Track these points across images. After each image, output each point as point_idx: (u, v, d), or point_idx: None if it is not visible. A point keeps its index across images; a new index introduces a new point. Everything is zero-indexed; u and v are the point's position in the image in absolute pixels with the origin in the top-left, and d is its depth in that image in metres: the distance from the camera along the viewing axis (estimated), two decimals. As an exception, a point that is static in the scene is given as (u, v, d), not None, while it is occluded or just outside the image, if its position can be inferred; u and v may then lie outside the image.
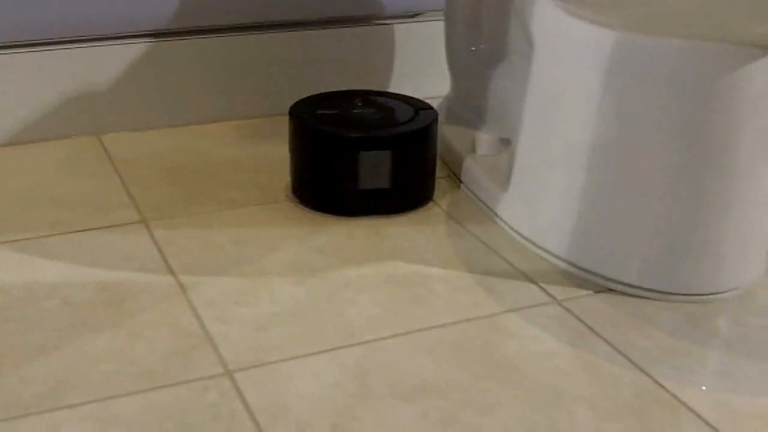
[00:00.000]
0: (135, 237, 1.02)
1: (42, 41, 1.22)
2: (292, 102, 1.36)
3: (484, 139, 1.14)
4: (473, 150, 1.15)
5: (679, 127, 0.87)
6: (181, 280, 0.94)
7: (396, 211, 1.08)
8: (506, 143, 1.14)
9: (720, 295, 0.92)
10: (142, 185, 1.13)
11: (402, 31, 1.39)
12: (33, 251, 0.98)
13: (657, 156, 0.88)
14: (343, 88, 1.39)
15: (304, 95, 1.37)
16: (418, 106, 1.11)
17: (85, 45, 1.24)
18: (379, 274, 0.96)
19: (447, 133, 1.21)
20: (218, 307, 0.89)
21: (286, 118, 1.35)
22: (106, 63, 1.25)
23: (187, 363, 0.81)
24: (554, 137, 0.96)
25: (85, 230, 1.03)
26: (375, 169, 1.04)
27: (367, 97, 1.14)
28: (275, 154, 1.23)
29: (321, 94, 1.16)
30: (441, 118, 1.27)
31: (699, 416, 0.76)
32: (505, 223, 1.04)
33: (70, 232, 1.02)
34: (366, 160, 1.04)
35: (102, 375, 0.80)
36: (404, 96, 1.15)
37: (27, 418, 0.74)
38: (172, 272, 0.95)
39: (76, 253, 0.98)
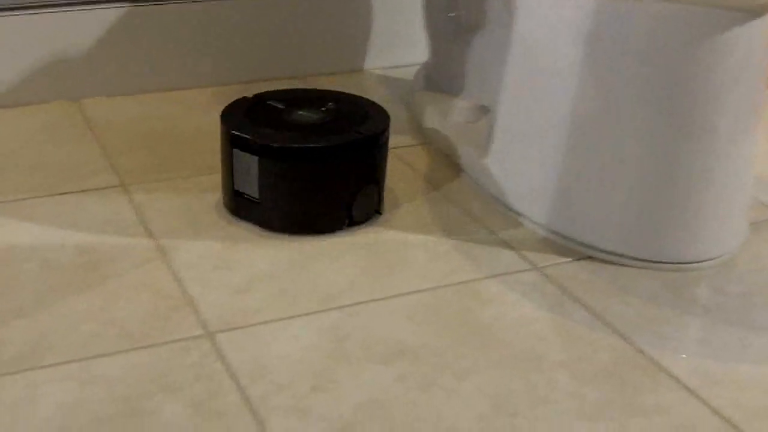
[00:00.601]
0: (114, 201, 1.01)
1: (20, 5, 1.21)
2: (269, 68, 1.36)
3: (462, 106, 1.14)
4: (451, 117, 1.15)
5: (660, 95, 0.87)
6: (161, 243, 0.93)
7: (267, 227, 0.97)
8: (485, 110, 1.14)
9: (700, 264, 0.93)
10: (121, 150, 1.13)
11: (382, -2, 1.39)
12: (11, 214, 0.97)
13: (637, 124, 0.89)
14: (319, 55, 1.38)
15: (280, 61, 1.36)
16: (371, 127, 0.97)
17: (63, 9, 1.23)
18: (357, 240, 0.96)
19: (424, 99, 1.21)
20: (197, 271, 0.89)
21: (263, 84, 1.35)
22: (85, 28, 1.24)
23: (167, 324, 0.81)
24: (533, 105, 0.96)
25: (63, 194, 1.02)
26: (246, 174, 0.94)
27: (341, 100, 1.03)
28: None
29: (298, 89, 1.06)
30: (418, 85, 1.26)
31: (678, 382, 0.77)
32: (485, 190, 1.04)
33: (49, 196, 1.01)
34: (238, 159, 0.95)
35: (82, 336, 0.79)
36: (380, 109, 1.02)
37: (6, 378, 0.74)
38: (151, 236, 0.95)
39: (54, 216, 0.97)
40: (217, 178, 1.06)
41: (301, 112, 1.00)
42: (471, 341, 0.81)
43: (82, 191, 1.03)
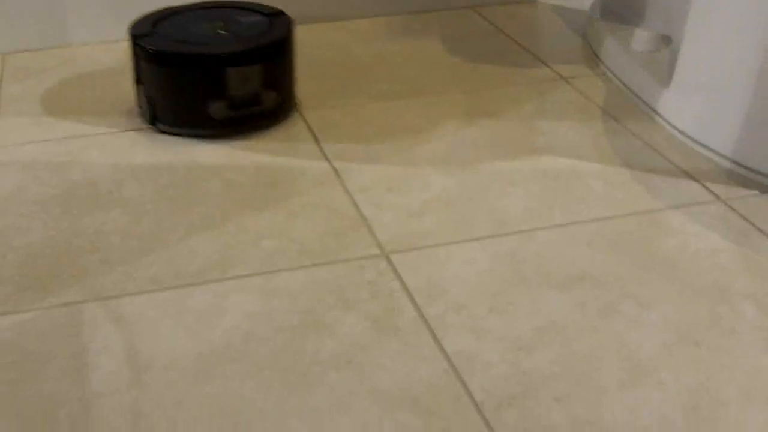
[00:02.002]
0: (290, 125, 1.02)
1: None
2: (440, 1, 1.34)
3: (644, 36, 1.11)
4: (631, 46, 1.11)
5: None
6: (335, 165, 0.94)
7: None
8: (666, 40, 1.10)
9: None
10: (296, 76, 1.14)
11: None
12: (192, 134, 1.00)
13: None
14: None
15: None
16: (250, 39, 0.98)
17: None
18: (533, 167, 0.94)
19: (602, 29, 1.18)
20: (371, 193, 0.90)
21: (434, 15, 1.34)
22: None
23: (344, 243, 0.82)
24: (721, 35, 0.92)
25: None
26: None
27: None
28: (424, 49, 1.22)
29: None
30: (595, 14, 1.23)
31: None
32: (666, 120, 1.00)
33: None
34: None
35: (264, 250, 0.81)
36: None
37: (196, 287, 0.77)
38: (326, 158, 0.96)
39: (234, 138, 0.99)
40: (387, 106, 1.07)
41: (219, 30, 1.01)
42: (653, 270, 0.79)
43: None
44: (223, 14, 1.04)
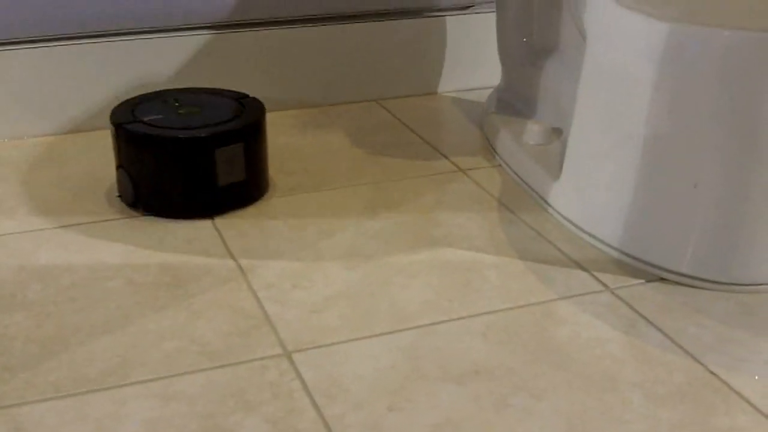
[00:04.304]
0: (196, 222, 1.04)
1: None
2: (344, 92, 1.38)
3: (535, 129, 1.15)
4: (524, 139, 1.16)
5: (732, 118, 0.87)
6: (241, 262, 0.96)
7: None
8: (557, 132, 1.15)
9: (773, 286, 0.92)
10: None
11: (455, 22, 1.41)
12: (97, 234, 1.01)
13: (710, 146, 0.89)
14: (394, 80, 1.40)
15: (355, 86, 1.38)
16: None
17: (142, 37, 1.27)
18: (432, 259, 0.97)
19: (497, 122, 1.22)
20: (276, 290, 0.92)
21: (340, 108, 1.38)
22: (166, 54, 1.28)
23: (247, 343, 0.84)
24: (607, 127, 0.97)
25: (147, 215, 1.05)
26: None
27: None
28: (330, 142, 1.25)
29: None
30: (491, 107, 1.28)
31: (751, 404, 0.77)
32: (557, 211, 1.05)
33: (134, 217, 1.05)
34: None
35: (165, 353, 0.82)
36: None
37: (94, 394, 0.77)
38: (232, 256, 0.97)
39: (139, 237, 1.01)
40: (288, 199, 1.09)
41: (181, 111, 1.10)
42: (545, 361, 0.82)
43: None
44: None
